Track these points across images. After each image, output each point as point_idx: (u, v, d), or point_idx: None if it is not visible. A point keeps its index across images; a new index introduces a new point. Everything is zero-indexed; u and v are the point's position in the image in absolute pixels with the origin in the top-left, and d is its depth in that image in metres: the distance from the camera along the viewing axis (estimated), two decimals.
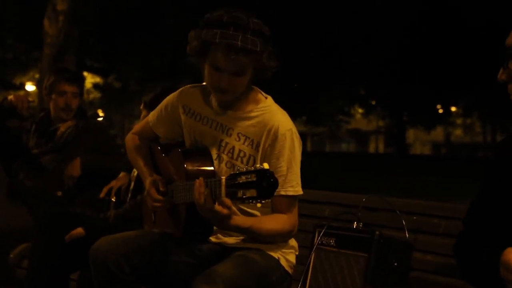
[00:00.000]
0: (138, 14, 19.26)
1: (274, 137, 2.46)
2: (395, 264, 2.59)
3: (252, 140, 2.50)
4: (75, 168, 3.86)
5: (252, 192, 2.05)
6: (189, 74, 19.58)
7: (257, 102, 2.55)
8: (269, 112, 2.52)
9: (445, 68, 23.31)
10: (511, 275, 1.52)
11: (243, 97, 2.53)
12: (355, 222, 2.78)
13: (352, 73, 24.54)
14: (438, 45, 22.74)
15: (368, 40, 22.49)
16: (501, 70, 1.76)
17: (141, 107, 3.50)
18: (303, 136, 2.57)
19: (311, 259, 2.75)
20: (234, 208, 2.30)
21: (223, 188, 2.15)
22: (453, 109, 35.47)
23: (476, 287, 1.72)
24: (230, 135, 2.53)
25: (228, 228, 2.39)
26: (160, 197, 2.57)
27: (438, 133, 43.82)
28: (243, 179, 2.07)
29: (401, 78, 25.22)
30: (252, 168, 2.06)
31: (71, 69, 4.30)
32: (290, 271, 2.59)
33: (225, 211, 2.24)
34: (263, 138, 2.47)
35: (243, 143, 2.51)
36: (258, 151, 2.48)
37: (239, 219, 2.37)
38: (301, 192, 2.50)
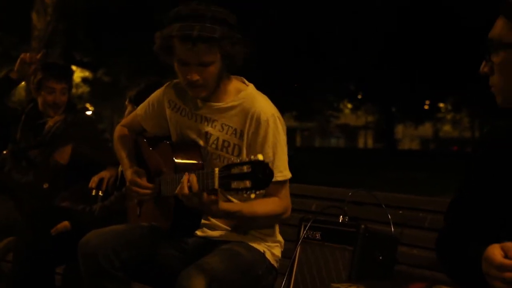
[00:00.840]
0: (127, 8, 19.17)
1: (257, 123, 2.46)
2: (380, 258, 2.60)
3: (235, 129, 2.50)
4: (64, 155, 3.84)
5: (246, 183, 2.04)
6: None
7: (238, 91, 2.55)
8: (250, 99, 2.52)
9: (434, 64, 23.38)
10: (494, 270, 1.52)
11: (222, 88, 2.53)
12: (341, 216, 2.79)
13: (342, 68, 24.57)
14: (427, 41, 22.80)
15: (358, 35, 22.51)
16: (483, 63, 1.77)
17: (126, 102, 3.48)
18: (293, 131, 2.56)
19: (296, 252, 2.76)
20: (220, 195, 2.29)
21: (216, 179, 2.14)
22: (441, 105, 35.63)
23: (457, 283, 1.73)
24: (215, 126, 2.53)
25: (217, 214, 2.38)
26: (149, 185, 2.58)
27: (426, 129, 44.01)
28: (237, 170, 2.06)
29: (390, 74, 25.28)
30: (247, 159, 2.06)
31: (59, 63, 4.26)
32: (275, 264, 2.59)
33: (212, 197, 2.24)
34: (246, 126, 2.48)
35: (227, 133, 2.51)
36: (242, 139, 2.49)
37: (226, 204, 2.37)
38: (289, 176, 2.51)
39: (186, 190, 2.25)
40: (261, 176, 2.03)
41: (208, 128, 2.54)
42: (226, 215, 2.42)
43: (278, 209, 2.48)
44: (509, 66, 1.70)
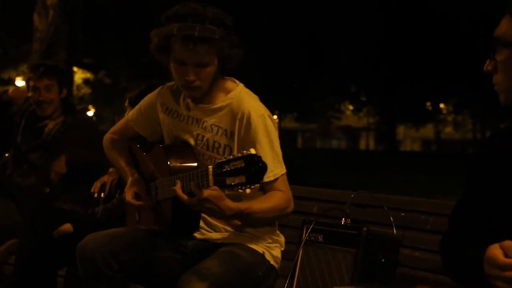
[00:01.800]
0: (128, 10, 19.20)
1: (247, 124, 2.45)
2: (383, 260, 2.60)
3: (226, 130, 2.50)
4: (60, 165, 3.84)
5: (241, 179, 2.03)
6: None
7: (227, 91, 2.55)
8: (238, 99, 2.52)
9: (435, 65, 23.38)
10: (496, 270, 1.53)
11: (213, 89, 2.54)
12: (343, 218, 2.78)
13: (343, 70, 24.58)
14: (428, 42, 22.80)
15: (359, 37, 22.52)
16: (487, 61, 1.77)
17: (126, 104, 3.47)
18: (294, 132, 2.58)
19: (299, 255, 2.76)
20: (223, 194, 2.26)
21: (210, 177, 2.13)
22: (442, 106, 35.62)
23: (461, 285, 1.73)
24: (205, 128, 2.54)
25: (227, 213, 2.30)
26: (139, 203, 2.59)
27: (428, 130, 43.98)
28: (230, 166, 2.05)
29: (391, 75, 25.28)
30: (239, 154, 2.06)
31: (44, 62, 4.24)
32: (275, 265, 2.58)
33: (216, 193, 2.20)
34: (236, 127, 2.47)
35: (217, 134, 2.51)
36: (233, 140, 2.48)
37: (235, 203, 2.32)
38: (285, 171, 2.49)
39: (184, 197, 2.25)
40: (254, 170, 2.02)
41: (199, 130, 2.54)
42: (236, 214, 2.35)
43: (283, 202, 2.45)
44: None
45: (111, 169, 3.73)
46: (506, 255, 1.52)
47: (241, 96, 2.52)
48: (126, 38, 20.55)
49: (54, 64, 4.46)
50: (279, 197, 2.44)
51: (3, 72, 24.32)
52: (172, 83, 2.68)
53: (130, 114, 2.79)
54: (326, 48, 23.00)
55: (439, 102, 33.61)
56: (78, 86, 25.68)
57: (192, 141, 2.55)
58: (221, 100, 2.53)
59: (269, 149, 2.45)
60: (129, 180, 2.65)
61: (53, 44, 10.22)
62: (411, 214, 2.97)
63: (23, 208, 3.86)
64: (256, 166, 2.02)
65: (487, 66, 1.77)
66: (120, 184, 3.60)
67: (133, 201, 2.59)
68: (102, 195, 3.66)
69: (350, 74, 25.52)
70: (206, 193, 2.19)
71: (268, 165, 2.35)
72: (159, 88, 2.71)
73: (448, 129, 46.65)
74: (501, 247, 1.54)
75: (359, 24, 21.76)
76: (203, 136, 2.53)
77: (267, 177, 2.37)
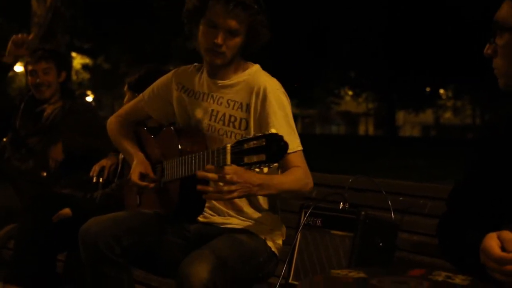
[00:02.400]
0: None
1: (263, 97, 2.47)
2: (380, 244, 2.61)
3: (241, 104, 2.52)
4: (58, 151, 3.84)
5: (261, 157, 2.02)
6: (178, 57, 19.49)
7: (244, 69, 2.59)
8: (255, 74, 2.56)
9: (434, 50, 23.30)
10: (491, 262, 1.52)
11: (232, 66, 2.56)
12: (342, 203, 2.79)
13: (343, 55, 24.52)
14: (428, 27, 22.72)
15: (359, 22, 22.43)
16: (487, 45, 1.76)
17: (125, 88, 3.46)
18: (293, 118, 2.58)
19: (297, 239, 2.77)
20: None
21: (228, 156, 2.12)
22: (442, 91, 35.54)
23: (457, 268, 1.73)
24: (221, 103, 2.56)
25: (253, 184, 2.25)
26: (145, 183, 2.60)
27: (427, 115, 43.92)
28: (250, 145, 2.05)
29: (391, 60, 25.20)
30: (260, 134, 2.05)
31: (46, 47, 4.24)
32: (276, 252, 2.59)
33: (235, 168, 2.16)
34: (253, 100, 2.49)
35: (233, 108, 2.53)
36: (249, 113, 2.50)
37: (257, 174, 2.27)
38: (301, 147, 2.49)
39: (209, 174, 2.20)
40: (275, 148, 2.01)
41: (214, 106, 2.56)
42: (263, 184, 2.29)
43: (304, 177, 2.44)
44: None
45: (110, 154, 3.73)
46: (502, 248, 1.52)
47: (258, 73, 2.57)
48: (126, 23, 20.47)
49: (52, 48, 4.44)
50: (299, 172, 2.44)
51: (2, 57, 24.20)
52: (187, 66, 2.72)
53: (142, 95, 2.80)
54: (327, 35, 22.92)
55: (439, 88, 33.52)
56: (77, 72, 25.63)
57: (206, 117, 2.56)
58: (237, 77, 2.56)
59: (285, 122, 2.47)
60: (135, 161, 2.65)
61: (51, 29, 10.16)
62: (410, 199, 2.97)
63: (22, 192, 3.87)
64: (278, 145, 2.01)
65: (487, 50, 1.76)
66: (118, 169, 3.60)
67: (139, 182, 2.59)
68: (100, 180, 3.66)
69: (350, 59, 25.45)
70: (227, 168, 2.16)
71: (291, 137, 2.37)
72: (173, 70, 2.75)
73: (448, 115, 46.59)
74: (499, 237, 1.53)
75: (360, 11, 21.67)
76: (218, 111, 2.55)
77: (291, 148, 2.39)
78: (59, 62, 4.04)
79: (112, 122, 2.86)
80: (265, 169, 2.08)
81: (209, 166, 2.20)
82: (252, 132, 2.44)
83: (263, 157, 2.02)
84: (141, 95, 2.81)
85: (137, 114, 2.81)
